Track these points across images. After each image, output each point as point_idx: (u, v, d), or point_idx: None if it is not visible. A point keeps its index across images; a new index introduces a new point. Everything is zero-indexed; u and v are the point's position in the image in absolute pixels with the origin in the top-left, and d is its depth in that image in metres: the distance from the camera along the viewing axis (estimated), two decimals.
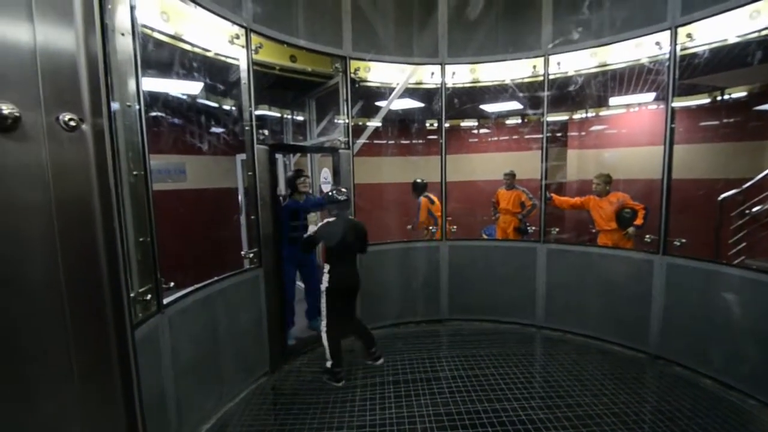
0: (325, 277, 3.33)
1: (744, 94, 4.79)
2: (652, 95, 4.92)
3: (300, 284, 4.46)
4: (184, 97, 4.02)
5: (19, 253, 0.74)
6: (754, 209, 4.03)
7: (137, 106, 2.21)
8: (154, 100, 3.45)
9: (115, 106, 2.11)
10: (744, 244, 4.02)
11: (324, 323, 3.34)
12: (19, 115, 0.72)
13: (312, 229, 3.35)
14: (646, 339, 3.70)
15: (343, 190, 3.43)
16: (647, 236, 3.78)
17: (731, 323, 3.11)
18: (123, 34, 2.12)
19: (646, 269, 3.65)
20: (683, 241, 3.46)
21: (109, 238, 0.80)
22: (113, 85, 2.08)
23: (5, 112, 0.69)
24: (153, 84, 3.12)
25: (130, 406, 0.90)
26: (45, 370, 0.78)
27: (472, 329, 4.42)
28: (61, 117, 0.75)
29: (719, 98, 4.96)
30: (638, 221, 4.11)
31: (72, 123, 0.75)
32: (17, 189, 0.74)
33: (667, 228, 3.51)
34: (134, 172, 2.22)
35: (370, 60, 4.13)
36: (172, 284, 2.56)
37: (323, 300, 3.34)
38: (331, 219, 3.35)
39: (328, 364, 3.35)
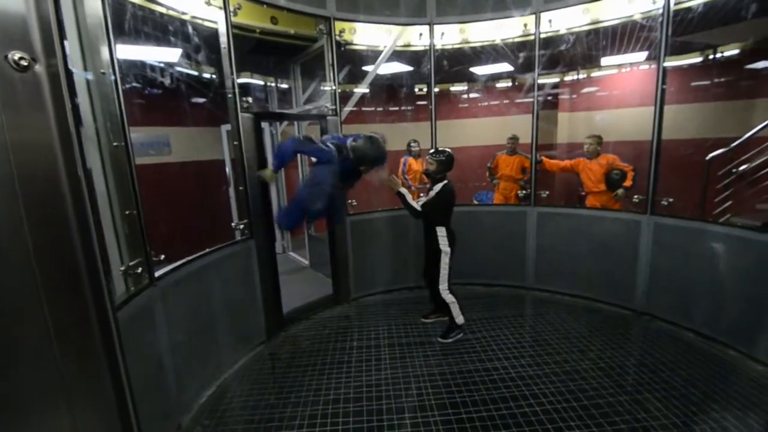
0: (444, 241, 3.37)
1: (736, 52, 4.71)
2: (644, 54, 4.83)
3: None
4: (162, 65, 3.83)
5: None
6: (740, 168, 4.05)
7: (112, 75, 2.11)
8: (131, 68, 3.29)
9: (88, 75, 2.01)
10: (730, 202, 4.06)
11: (446, 285, 3.44)
12: None
13: (431, 193, 3.28)
14: (632, 297, 3.80)
15: (447, 150, 3.40)
16: (635, 197, 3.81)
17: (714, 279, 3.20)
18: None
19: (633, 229, 3.70)
20: (671, 200, 3.49)
21: (75, 186, 0.76)
22: (84, 48, 1.97)
23: None
24: (128, 51, 2.97)
25: (117, 380, 0.89)
26: (21, 348, 0.75)
27: (464, 293, 4.48)
28: (10, 56, 0.68)
29: (711, 57, 4.88)
30: (627, 183, 4.13)
31: (23, 62, 0.69)
32: None
33: (655, 188, 3.54)
34: (114, 143, 2.15)
35: (355, 20, 3.97)
36: (162, 257, 2.53)
37: (445, 262, 3.40)
38: (445, 180, 3.36)
39: (460, 319, 3.47)
